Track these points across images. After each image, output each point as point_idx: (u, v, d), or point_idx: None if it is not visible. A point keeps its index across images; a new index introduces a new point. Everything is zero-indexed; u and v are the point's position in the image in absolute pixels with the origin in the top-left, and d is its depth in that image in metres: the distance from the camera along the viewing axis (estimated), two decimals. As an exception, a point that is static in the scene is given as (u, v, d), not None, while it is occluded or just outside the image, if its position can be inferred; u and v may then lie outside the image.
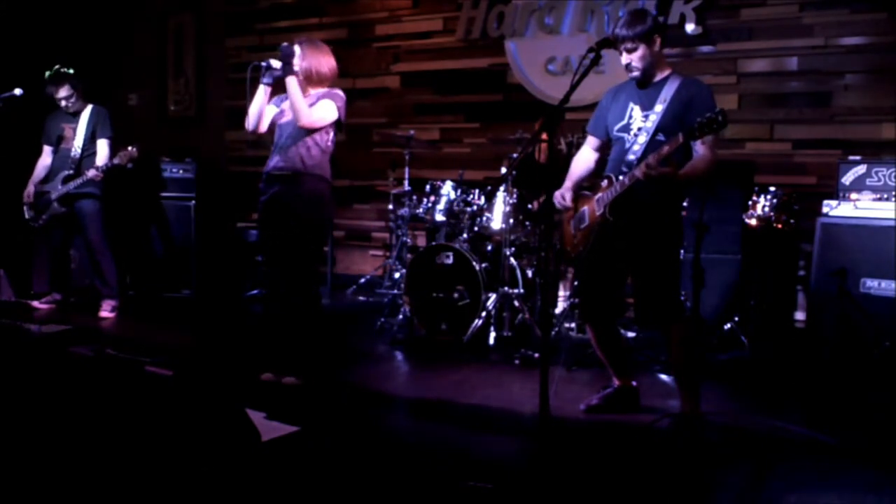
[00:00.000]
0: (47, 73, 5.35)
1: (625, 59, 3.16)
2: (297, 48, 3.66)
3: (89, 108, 5.40)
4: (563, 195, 3.37)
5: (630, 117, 3.21)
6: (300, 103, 3.58)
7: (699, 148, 3.05)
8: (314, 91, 3.73)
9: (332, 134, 3.73)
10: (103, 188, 5.37)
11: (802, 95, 5.30)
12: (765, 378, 4.09)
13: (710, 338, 4.51)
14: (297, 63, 3.64)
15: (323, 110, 3.64)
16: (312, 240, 3.73)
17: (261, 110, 3.69)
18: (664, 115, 3.11)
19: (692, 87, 3.13)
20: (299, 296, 3.71)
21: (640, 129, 3.16)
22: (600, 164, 3.46)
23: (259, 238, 3.91)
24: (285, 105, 3.76)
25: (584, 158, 3.48)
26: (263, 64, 3.61)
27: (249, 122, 3.70)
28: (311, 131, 3.65)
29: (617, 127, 3.26)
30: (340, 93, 3.74)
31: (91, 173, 5.13)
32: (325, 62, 3.72)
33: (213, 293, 6.27)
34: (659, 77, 3.19)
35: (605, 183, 3.24)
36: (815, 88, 5.25)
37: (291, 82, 3.58)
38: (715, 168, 3.06)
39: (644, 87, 3.20)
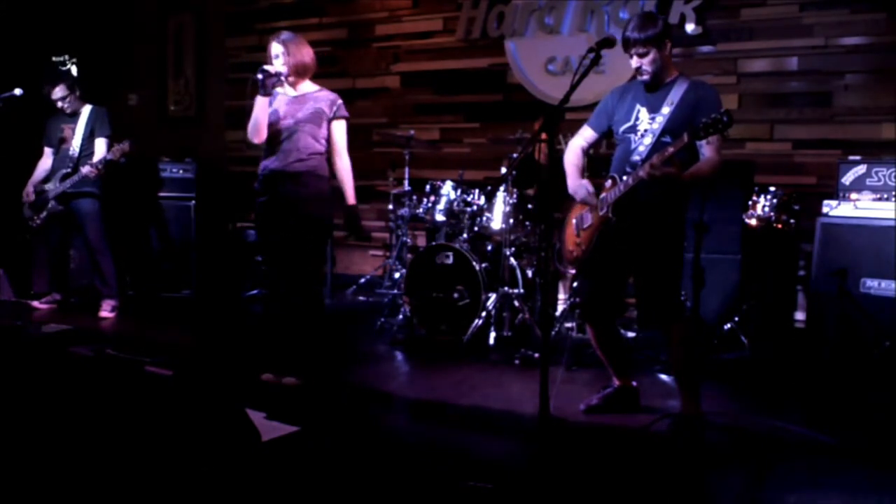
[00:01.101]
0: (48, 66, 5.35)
1: (635, 62, 3.13)
2: (278, 45, 3.65)
3: (88, 108, 5.40)
4: (585, 188, 3.28)
5: (637, 119, 3.20)
6: (349, 182, 3.80)
7: (705, 151, 3.04)
8: (306, 85, 3.75)
9: (327, 132, 3.76)
10: (102, 187, 5.37)
11: (802, 95, 5.30)
12: (765, 378, 4.09)
13: (710, 338, 4.51)
14: (286, 60, 3.64)
15: (343, 137, 3.78)
16: (317, 239, 3.73)
17: (265, 121, 3.67)
18: (671, 117, 3.10)
19: (700, 90, 3.12)
20: (300, 296, 3.71)
21: (646, 130, 3.15)
22: (588, 158, 3.45)
23: (258, 238, 3.91)
24: (277, 104, 3.74)
25: (576, 149, 3.41)
26: (259, 77, 3.57)
27: (254, 136, 3.68)
28: (309, 132, 3.67)
29: (623, 128, 3.25)
30: (339, 99, 3.78)
31: (85, 170, 5.12)
32: (307, 53, 3.73)
33: (213, 293, 6.27)
34: (667, 80, 3.17)
35: (608, 183, 3.23)
36: (815, 88, 5.25)
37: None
38: (720, 170, 3.05)
39: (652, 89, 3.18)
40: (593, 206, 3.27)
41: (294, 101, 3.73)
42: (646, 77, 3.15)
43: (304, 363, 3.75)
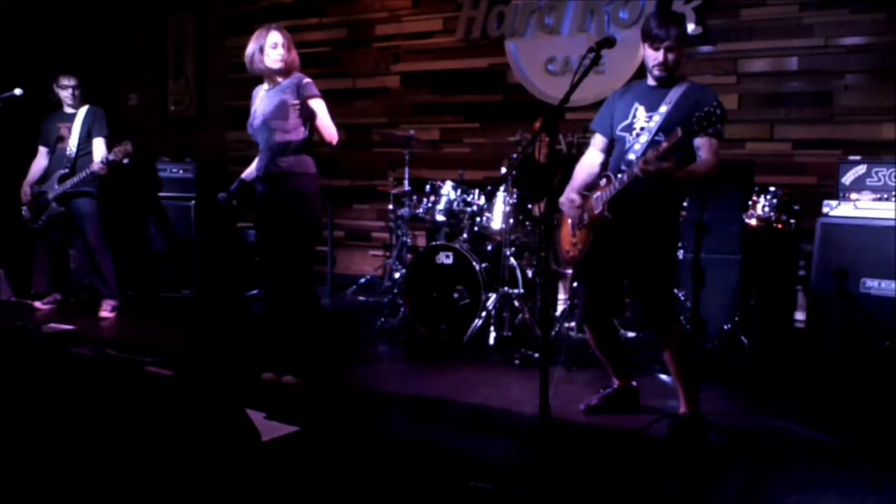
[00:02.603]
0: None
1: (660, 57, 3.06)
2: (279, 35, 3.59)
3: (85, 108, 5.41)
4: (569, 199, 3.31)
5: (634, 117, 3.19)
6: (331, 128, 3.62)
7: (702, 153, 3.03)
8: (285, 79, 3.67)
9: (306, 127, 3.64)
10: (100, 187, 5.37)
11: (802, 95, 5.29)
12: (765, 378, 4.09)
13: (710, 338, 4.51)
14: (284, 55, 3.59)
15: (326, 115, 3.63)
16: (304, 238, 3.69)
17: None
18: (667, 116, 3.08)
19: (699, 92, 3.10)
20: (295, 295, 3.71)
21: (642, 129, 3.14)
22: (604, 167, 3.39)
23: (256, 238, 3.93)
24: (256, 104, 3.71)
25: (589, 163, 3.38)
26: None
27: None
28: (278, 127, 3.60)
29: (620, 126, 3.23)
30: (304, 78, 3.64)
31: (96, 167, 5.13)
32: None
33: (213, 293, 6.27)
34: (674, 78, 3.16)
35: (603, 182, 3.22)
36: (815, 88, 5.24)
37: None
38: (717, 173, 3.04)
39: (664, 85, 3.15)
40: (578, 219, 3.27)
41: (265, 97, 3.69)
42: (664, 74, 3.10)
43: (304, 363, 3.75)
